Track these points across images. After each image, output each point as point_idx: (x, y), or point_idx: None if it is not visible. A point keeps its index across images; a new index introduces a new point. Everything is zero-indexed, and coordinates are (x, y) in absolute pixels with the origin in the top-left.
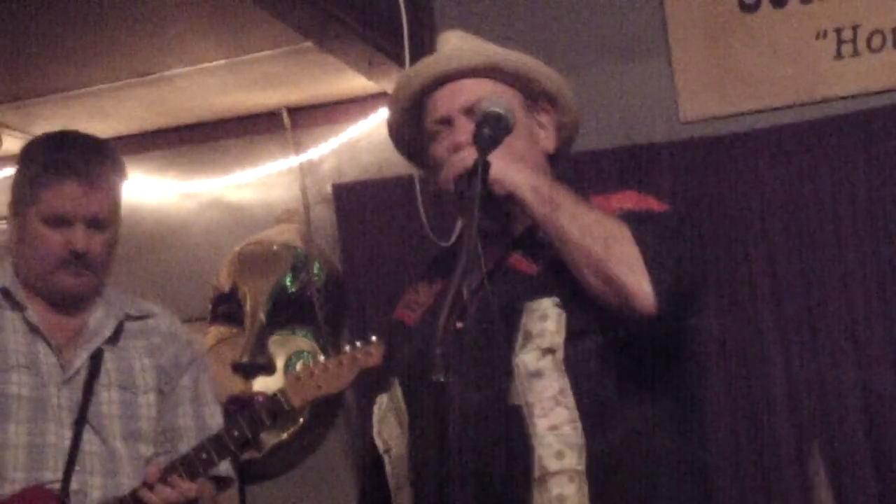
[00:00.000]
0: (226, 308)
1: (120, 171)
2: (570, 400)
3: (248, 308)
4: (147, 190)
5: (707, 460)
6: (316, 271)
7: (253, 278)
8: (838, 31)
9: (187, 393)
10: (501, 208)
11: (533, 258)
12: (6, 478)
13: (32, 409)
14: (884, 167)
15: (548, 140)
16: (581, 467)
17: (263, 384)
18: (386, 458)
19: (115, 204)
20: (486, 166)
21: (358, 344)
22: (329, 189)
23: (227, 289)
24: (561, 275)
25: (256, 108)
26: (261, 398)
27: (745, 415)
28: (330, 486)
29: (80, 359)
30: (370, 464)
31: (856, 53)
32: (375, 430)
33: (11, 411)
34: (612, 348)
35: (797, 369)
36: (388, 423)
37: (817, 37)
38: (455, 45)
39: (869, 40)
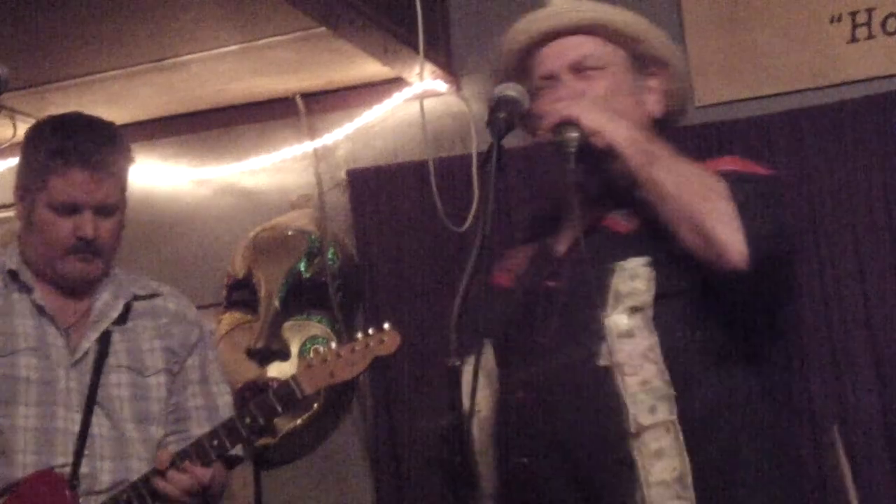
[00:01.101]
0: (240, 294)
1: (127, 156)
2: (658, 355)
3: (262, 294)
4: (161, 176)
5: (795, 430)
6: (330, 257)
7: (267, 264)
8: (853, 14)
9: (195, 373)
10: (600, 163)
11: (628, 218)
12: (16, 462)
13: (41, 392)
14: None
15: (655, 104)
16: (674, 416)
17: (278, 370)
18: (474, 421)
19: (122, 189)
20: (500, 151)
21: (371, 331)
22: (343, 174)
23: (241, 275)
24: (654, 235)
25: (270, 94)
26: (275, 384)
27: None
28: (344, 471)
29: (89, 341)
30: (457, 426)
31: (871, 37)
32: (464, 391)
33: (20, 395)
34: (700, 310)
35: (813, 363)
36: (477, 384)
37: (832, 20)
38: (563, 3)
39: (884, 23)
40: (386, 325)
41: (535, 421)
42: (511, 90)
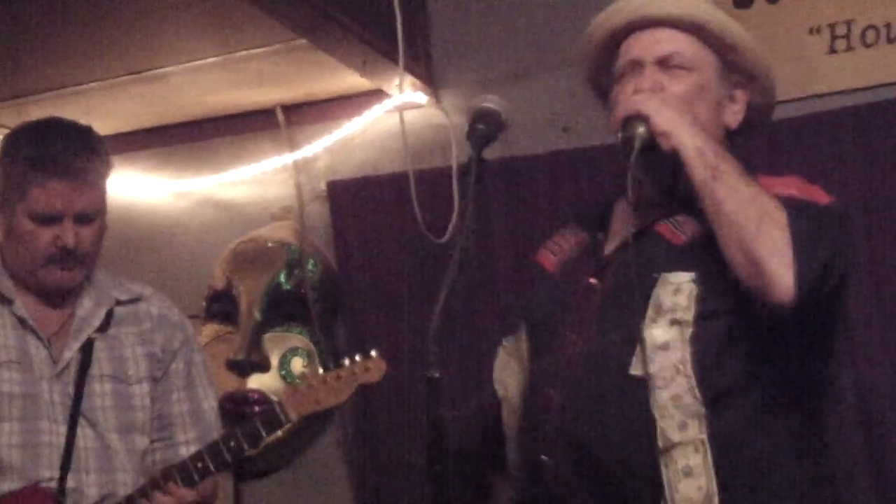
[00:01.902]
0: (220, 306)
1: (106, 162)
2: (689, 369)
3: (242, 306)
4: (141, 189)
5: (828, 454)
6: (310, 268)
7: (247, 276)
8: (832, 26)
9: (180, 378)
10: (663, 164)
11: (682, 227)
12: (3, 479)
13: (25, 407)
14: (878, 162)
15: (734, 115)
16: (704, 436)
17: (258, 382)
18: (504, 405)
19: (102, 196)
20: (480, 162)
21: (357, 359)
22: (323, 186)
23: (221, 286)
24: (705, 250)
25: (250, 106)
26: (255, 395)
27: None
28: (325, 482)
29: (71, 351)
30: (487, 407)
31: (850, 49)
32: (496, 374)
33: (3, 411)
34: (741, 333)
35: None
36: (510, 369)
37: (811, 32)
38: None
39: (863, 35)
40: (373, 353)
41: (560, 421)
42: (490, 102)
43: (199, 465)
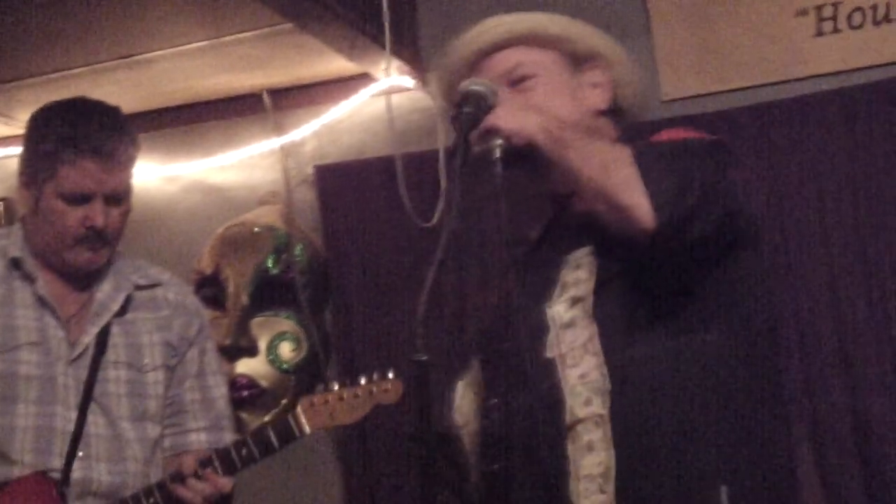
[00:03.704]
0: (208, 290)
1: (135, 143)
2: (597, 346)
3: (230, 290)
4: None
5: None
6: (298, 253)
7: (235, 260)
8: (819, 8)
9: (193, 366)
10: (536, 164)
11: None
12: (15, 461)
13: (41, 389)
14: (865, 144)
15: (598, 97)
16: (605, 411)
17: (246, 366)
18: (464, 433)
19: (130, 177)
20: (466, 146)
21: (375, 377)
22: (311, 170)
23: (209, 271)
24: (594, 225)
25: (237, 90)
26: (243, 380)
27: None
28: (314, 467)
29: (89, 335)
30: (445, 440)
31: (836, 31)
32: (456, 404)
33: (20, 392)
34: (638, 291)
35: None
36: (467, 398)
37: (798, 14)
38: (489, 22)
39: (849, 17)
40: (390, 374)
41: (502, 424)
42: (476, 85)
43: (207, 469)
